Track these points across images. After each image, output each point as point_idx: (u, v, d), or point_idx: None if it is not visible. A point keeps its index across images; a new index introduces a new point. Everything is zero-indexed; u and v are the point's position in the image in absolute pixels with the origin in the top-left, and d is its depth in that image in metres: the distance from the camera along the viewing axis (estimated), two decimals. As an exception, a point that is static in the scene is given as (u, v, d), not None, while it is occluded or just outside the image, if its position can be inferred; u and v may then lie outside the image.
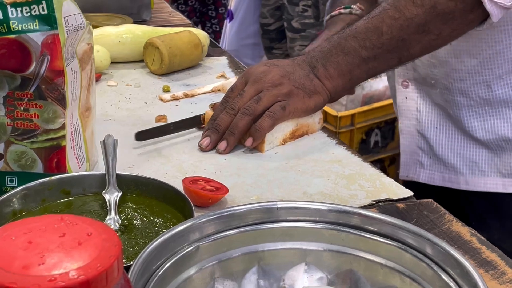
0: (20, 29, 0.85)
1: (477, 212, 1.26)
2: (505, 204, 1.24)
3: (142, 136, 1.09)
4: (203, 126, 1.15)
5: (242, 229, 0.69)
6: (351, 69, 1.10)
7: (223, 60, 1.52)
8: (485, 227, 1.18)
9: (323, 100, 1.11)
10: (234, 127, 1.07)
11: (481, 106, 1.20)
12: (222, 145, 1.07)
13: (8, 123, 0.89)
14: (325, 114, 2.85)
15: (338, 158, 1.08)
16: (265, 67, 1.11)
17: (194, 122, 1.15)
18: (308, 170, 1.03)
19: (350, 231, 0.70)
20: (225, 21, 3.66)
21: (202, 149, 1.08)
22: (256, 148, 1.08)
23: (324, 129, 1.18)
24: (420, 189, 1.27)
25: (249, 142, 1.07)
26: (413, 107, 1.28)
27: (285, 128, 1.11)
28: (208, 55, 1.52)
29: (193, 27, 1.66)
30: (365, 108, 2.84)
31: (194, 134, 1.14)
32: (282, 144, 1.11)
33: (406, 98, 1.28)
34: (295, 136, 1.12)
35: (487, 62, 1.16)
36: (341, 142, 1.13)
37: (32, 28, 0.85)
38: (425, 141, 1.29)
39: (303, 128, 1.13)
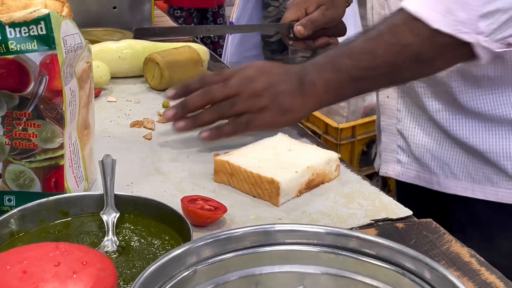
0: (18, 49, 0.85)
1: (458, 220, 1.27)
2: (481, 212, 1.25)
3: (141, 32, 1.20)
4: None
5: (240, 252, 0.69)
6: (340, 87, 1.11)
7: (223, 75, 1.52)
8: (465, 236, 1.18)
9: (296, 119, 1.15)
10: (201, 118, 1.12)
11: (451, 114, 1.21)
12: (179, 124, 1.12)
13: (6, 143, 0.89)
14: (326, 126, 2.86)
15: (337, 176, 1.07)
16: (255, 73, 1.12)
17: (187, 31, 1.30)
18: (307, 189, 1.03)
19: (348, 254, 0.69)
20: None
21: (164, 118, 1.16)
22: (271, 201, 0.99)
23: (323, 143, 1.18)
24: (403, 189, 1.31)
25: (204, 134, 1.12)
26: (394, 106, 1.30)
27: (300, 178, 1.01)
28: (209, 70, 1.52)
29: (193, 42, 1.66)
30: (366, 120, 2.84)
31: (194, 151, 1.14)
32: (298, 196, 1.01)
33: (388, 97, 1.30)
34: (310, 186, 1.03)
35: (454, 74, 1.17)
36: (340, 159, 1.13)
37: (30, 48, 0.85)
38: (403, 140, 1.31)
39: (319, 177, 1.04)
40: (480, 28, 1.02)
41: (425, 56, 1.07)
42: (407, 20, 1.06)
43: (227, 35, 3.67)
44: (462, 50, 1.05)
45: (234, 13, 3.56)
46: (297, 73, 1.13)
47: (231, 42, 3.54)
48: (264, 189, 0.99)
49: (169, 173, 1.07)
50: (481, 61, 1.05)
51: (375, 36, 1.09)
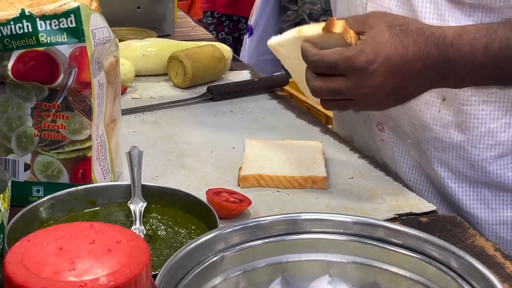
0: (48, 41, 0.86)
1: None
2: None
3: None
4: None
5: (267, 240, 0.70)
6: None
7: (245, 74, 1.53)
8: None
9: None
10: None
11: (460, 182, 1.09)
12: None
13: (36, 134, 0.90)
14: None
15: (361, 171, 1.08)
16: (380, 66, 0.84)
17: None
18: (330, 184, 1.03)
19: (375, 243, 0.70)
20: (245, 36, 3.68)
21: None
22: (319, 186, 1.02)
23: (345, 142, 1.18)
24: None
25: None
26: (389, 153, 1.15)
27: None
28: (231, 69, 1.53)
29: (216, 41, 1.67)
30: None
31: (217, 146, 1.15)
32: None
33: (383, 140, 1.15)
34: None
35: (477, 141, 1.05)
36: (363, 155, 1.13)
37: (60, 40, 0.86)
38: None
39: None
40: None
41: None
42: None
43: (245, 38, 3.67)
44: None
45: (252, 17, 3.57)
46: (440, 60, 0.86)
47: (248, 45, 3.55)
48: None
49: (194, 168, 1.08)
50: None
51: None
